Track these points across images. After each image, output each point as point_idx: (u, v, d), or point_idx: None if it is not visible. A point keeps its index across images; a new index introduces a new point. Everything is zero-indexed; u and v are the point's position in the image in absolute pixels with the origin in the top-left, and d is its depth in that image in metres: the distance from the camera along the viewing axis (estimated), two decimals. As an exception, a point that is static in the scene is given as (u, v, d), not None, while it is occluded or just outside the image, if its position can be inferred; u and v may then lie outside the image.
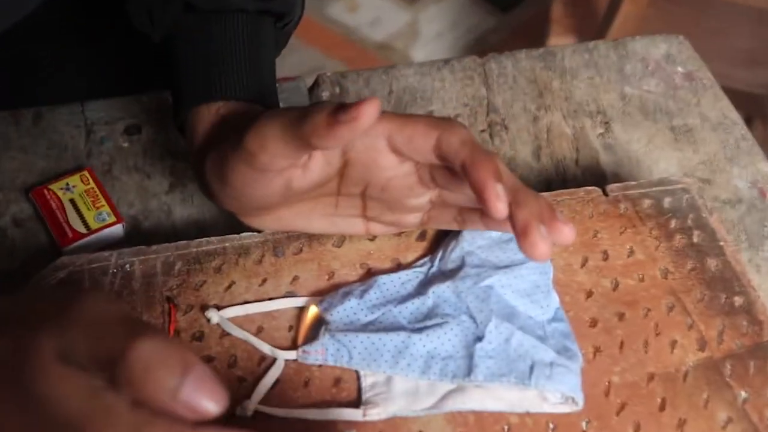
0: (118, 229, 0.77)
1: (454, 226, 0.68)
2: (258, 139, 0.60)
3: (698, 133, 0.90)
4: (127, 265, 0.69)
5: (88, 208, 0.78)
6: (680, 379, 0.65)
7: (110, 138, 0.86)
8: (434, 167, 0.63)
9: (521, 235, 0.56)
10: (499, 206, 0.56)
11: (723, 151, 0.88)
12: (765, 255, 0.80)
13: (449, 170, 0.62)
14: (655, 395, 0.64)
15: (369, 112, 0.54)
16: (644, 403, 0.64)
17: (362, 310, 0.66)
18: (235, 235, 0.71)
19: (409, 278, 0.69)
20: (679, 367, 0.66)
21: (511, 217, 0.57)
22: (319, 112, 0.55)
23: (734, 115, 0.91)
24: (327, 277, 0.70)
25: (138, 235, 0.79)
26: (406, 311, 0.66)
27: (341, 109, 0.55)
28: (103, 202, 0.78)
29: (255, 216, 0.69)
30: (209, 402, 0.43)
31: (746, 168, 0.87)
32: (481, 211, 0.65)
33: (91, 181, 0.79)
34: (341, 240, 0.72)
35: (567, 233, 0.57)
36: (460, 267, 0.68)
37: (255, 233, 0.72)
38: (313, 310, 0.66)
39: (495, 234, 0.69)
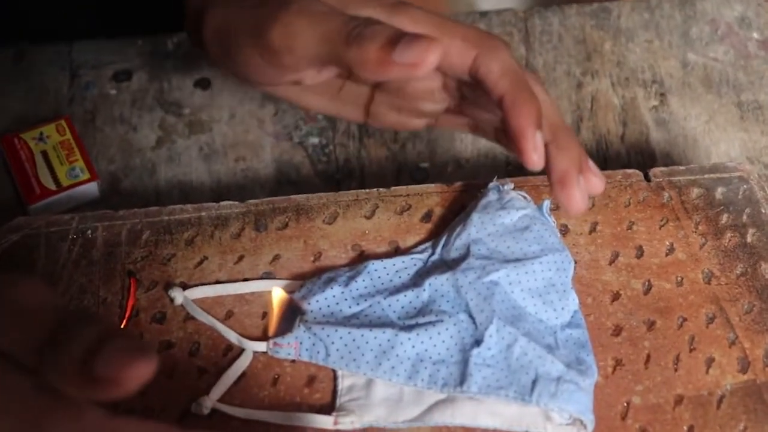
0: (92, 187, 0.72)
1: (463, 130, 0.64)
2: (286, 37, 0.53)
3: (769, 112, 0.81)
4: (89, 231, 0.64)
5: (61, 162, 0.73)
6: (713, 405, 0.58)
7: (96, 83, 0.81)
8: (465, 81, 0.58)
9: (558, 183, 0.55)
10: (535, 159, 0.54)
11: (797, 135, 0.80)
12: (834, 260, 0.72)
13: (481, 87, 0.56)
14: (681, 422, 0.58)
15: (431, 59, 0.48)
16: (668, 430, 0.57)
17: (346, 299, 0.60)
18: (213, 204, 0.66)
19: (405, 266, 0.63)
20: (714, 391, 0.59)
21: (549, 161, 0.54)
22: (371, 40, 0.49)
23: (814, 93, 0.82)
24: (313, 258, 0.64)
25: (115, 195, 0.74)
26: (396, 304, 0.60)
27: (398, 42, 0.48)
28: (78, 156, 0.73)
29: (248, 82, 0.63)
30: (128, 368, 0.37)
31: (822, 155, 0.78)
32: (501, 130, 0.60)
33: (67, 131, 0.74)
34: (333, 216, 0.66)
35: (597, 184, 0.56)
36: (464, 257, 0.61)
37: (236, 203, 0.66)
38: (277, 294, 0.60)
39: (508, 220, 0.63)
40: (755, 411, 0.58)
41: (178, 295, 0.61)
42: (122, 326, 0.60)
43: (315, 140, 0.78)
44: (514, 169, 0.77)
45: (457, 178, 0.75)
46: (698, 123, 0.80)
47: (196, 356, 0.59)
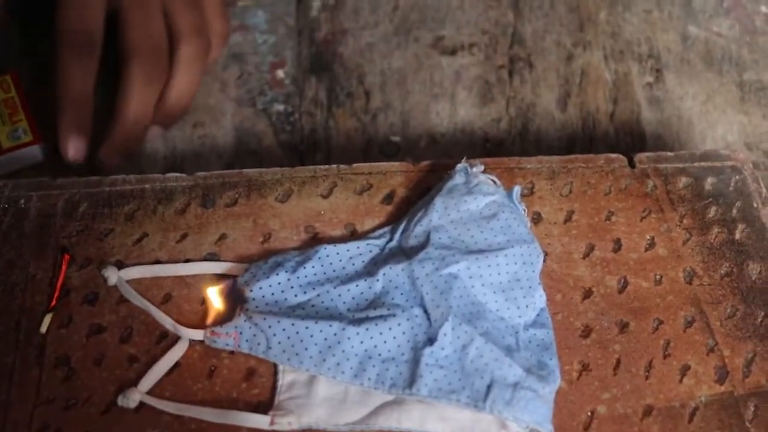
0: (34, 150, 0.68)
1: None
2: None
3: (773, 94, 0.76)
4: (22, 201, 0.61)
5: (3, 122, 0.69)
6: (685, 418, 0.55)
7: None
8: None
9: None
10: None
11: (800, 120, 0.75)
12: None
13: None
14: (648, 436, 0.54)
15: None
16: (633, 444, 0.53)
17: (293, 287, 0.56)
18: (159, 175, 0.62)
19: (359, 252, 0.59)
20: (687, 402, 0.55)
21: None
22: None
23: (822, 75, 0.77)
24: (262, 238, 0.60)
25: (59, 161, 0.70)
26: (347, 295, 0.56)
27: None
28: (22, 117, 0.69)
29: None
30: None
31: (826, 144, 0.74)
32: None
33: (12, 88, 0.70)
34: (287, 193, 0.62)
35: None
36: (423, 245, 0.57)
37: (182, 175, 0.62)
38: (211, 292, 0.57)
39: (474, 207, 0.59)
40: (730, 426, 0.55)
41: (112, 275, 0.57)
42: (51, 307, 0.56)
43: (280, 107, 0.74)
44: (493, 146, 0.72)
45: (430, 154, 0.72)
46: (695, 103, 0.76)
47: (128, 342, 0.56)
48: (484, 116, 0.74)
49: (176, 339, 0.56)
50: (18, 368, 0.54)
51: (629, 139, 0.73)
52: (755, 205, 0.63)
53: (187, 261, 0.59)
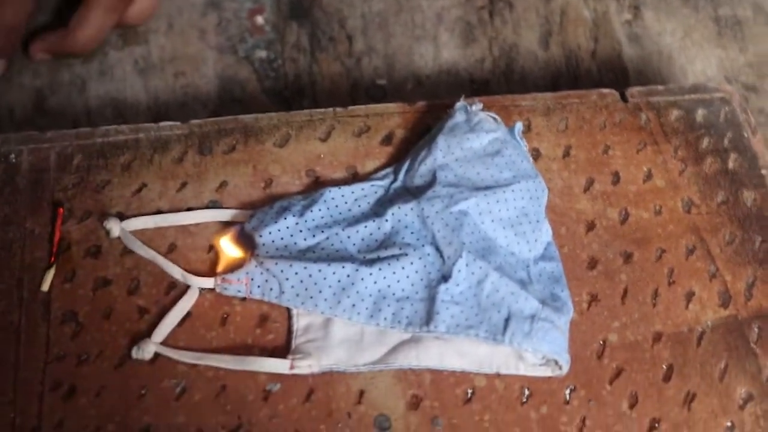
0: None
1: None
2: None
3: (748, 28, 0.78)
4: (12, 155, 0.59)
5: None
6: (693, 342, 0.56)
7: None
8: None
9: None
10: None
11: (776, 52, 0.76)
12: (815, 186, 0.69)
13: None
14: (659, 361, 0.55)
15: None
16: (645, 370, 0.55)
17: (301, 231, 0.56)
18: (152, 125, 0.61)
19: (364, 193, 0.59)
20: (694, 327, 0.56)
21: None
22: None
23: (794, 7, 0.79)
24: (263, 184, 0.60)
25: (41, 115, 0.68)
26: (356, 236, 0.56)
27: None
28: None
29: None
30: None
31: (803, 75, 0.75)
32: None
33: None
34: (285, 138, 0.61)
35: None
36: (430, 184, 0.58)
37: (177, 123, 0.61)
38: (224, 242, 0.56)
39: (477, 144, 0.59)
40: (736, 348, 0.56)
41: (115, 227, 0.56)
42: (50, 262, 0.55)
43: (262, 54, 0.73)
44: (479, 87, 0.73)
45: (416, 96, 0.72)
46: (673, 39, 0.77)
47: (136, 294, 0.55)
48: (468, 57, 0.74)
49: (185, 289, 0.55)
50: (24, 326, 0.53)
51: (612, 76, 0.74)
52: (745, 134, 0.64)
53: (189, 210, 0.58)
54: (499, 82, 0.73)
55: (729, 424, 0.53)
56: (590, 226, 0.60)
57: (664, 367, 0.55)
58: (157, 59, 0.72)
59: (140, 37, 0.73)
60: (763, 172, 0.63)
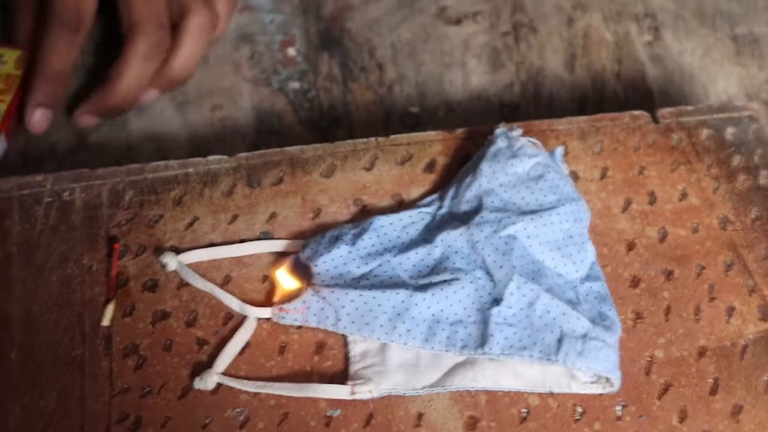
0: None
1: None
2: None
3: (766, 45, 0.80)
4: (66, 193, 0.61)
5: None
6: (737, 356, 0.58)
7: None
8: None
9: None
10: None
11: (795, 69, 0.79)
12: (840, 199, 0.71)
13: None
14: (706, 375, 0.57)
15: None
16: (693, 384, 0.56)
17: (354, 259, 0.58)
18: (201, 159, 0.63)
19: (412, 220, 0.60)
20: (737, 341, 0.58)
21: None
22: None
23: (810, 24, 0.81)
24: (312, 215, 0.61)
25: (83, 150, 0.70)
26: (407, 263, 0.58)
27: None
28: (7, 98, 0.67)
29: None
30: None
31: (822, 90, 0.78)
32: None
33: (20, 67, 0.69)
34: (331, 169, 0.63)
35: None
36: (477, 210, 0.59)
37: (224, 157, 0.63)
38: (279, 273, 0.58)
39: (521, 169, 0.61)
40: (780, 360, 0.58)
41: (171, 260, 0.58)
42: (110, 297, 0.56)
43: (296, 85, 0.75)
44: (509, 111, 0.75)
45: (449, 122, 0.73)
46: (694, 58, 0.79)
47: (194, 326, 0.57)
48: (497, 82, 0.76)
49: (242, 319, 0.57)
50: (88, 361, 0.55)
51: (637, 96, 0.76)
52: (774, 151, 0.66)
53: (241, 241, 0.60)
54: (528, 106, 0.75)
55: (777, 434, 0.55)
56: (631, 246, 0.62)
57: (710, 380, 0.57)
58: (193, 94, 0.73)
59: (176, 73, 0.74)
60: (794, 187, 0.65)
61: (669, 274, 0.60)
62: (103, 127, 0.71)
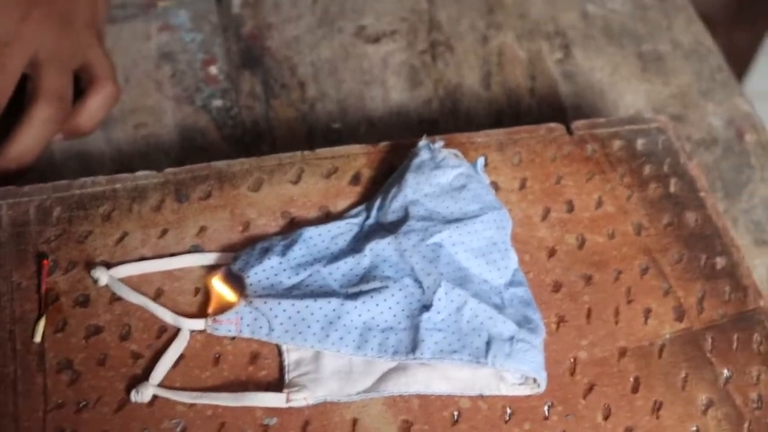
0: None
1: None
2: None
3: (669, 62, 0.84)
4: (-8, 211, 0.60)
5: None
6: (655, 355, 0.61)
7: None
8: None
9: None
10: None
11: (697, 84, 0.83)
12: (742, 206, 0.76)
13: None
14: (627, 374, 0.60)
15: None
16: (615, 383, 0.59)
17: (285, 270, 0.59)
18: (128, 174, 0.63)
19: (341, 231, 0.62)
20: (654, 341, 0.61)
21: None
22: None
23: (709, 42, 0.86)
24: (241, 228, 0.62)
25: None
26: (337, 272, 0.59)
27: None
28: None
29: None
30: None
31: (722, 104, 0.82)
32: None
33: None
34: (258, 183, 0.64)
35: None
36: (403, 219, 0.61)
37: (152, 172, 0.64)
38: (216, 283, 0.59)
39: (444, 180, 0.63)
40: (694, 358, 0.61)
41: (103, 275, 0.58)
42: (40, 313, 0.57)
43: (218, 103, 0.76)
44: (429, 126, 0.77)
45: (370, 137, 0.75)
46: (603, 74, 0.83)
47: (128, 340, 0.57)
48: (416, 99, 0.78)
49: (176, 332, 0.57)
50: (21, 377, 0.55)
51: (550, 111, 0.79)
52: (682, 160, 0.70)
53: (172, 255, 0.60)
54: (447, 121, 0.77)
55: (695, 428, 0.58)
56: (551, 252, 0.64)
57: (632, 379, 0.59)
58: (117, 112, 0.74)
59: (98, 91, 0.74)
60: (701, 194, 0.68)
61: (588, 279, 0.63)
62: (25, 145, 0.70)
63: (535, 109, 0.79)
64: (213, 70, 0.77)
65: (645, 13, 0.87)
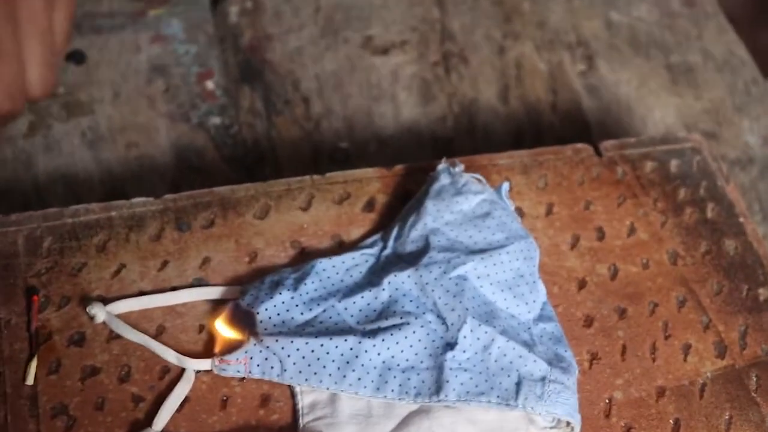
0: None
1: None
2: None
3: (700, 75, 0.86)
4: (-22, 241, 0.61)
5: None
6: (696, 395, 0.61)
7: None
8: None
9: None
10: None
11: (730, 98, 0.84)
12: (783, 230, 0.77)
13: None
14: (666, 416, 0.60)
15: None
16: (654, 426, 0.60)
17: (297, 305, 0.59)
18: (124, 201, 0.64)
19: (356, 263, 0.63)
20: (695, 379, 0.62)
21: None
22: None
23: (742, 53, 0.87)
24: (248, 258, 0.63)
25: (-14, 195, 0.70)
26: (353, 307, 0.60)
27: None
28: None
29: None
30: None
31: (758, 120, 0.83)
32: None
33: None
34: (265, 210, 0.65)
35: None
36: (424, 250, 0.62)
37: (150, 198, 0.64)
38: (218, 324, 0.60)
39: (467, 207, 0.64)
40: (738, 398, 0.62)
41: (99, 312, 0.58)
42: (31, 353, 0.57)
43: (217, 120, 0.76)
44: (443, 145, 0.78)
45: (380, 157, 0.76)
46: (630, 88, 0.84)
47: (128, 382, 0.57)
48: (429, 115, 0.79)
49: (179, 372, 0.57)
50: (11, 424, 0.55)
51: (574, 128, 0.80)
52: (719, 183, 0.71)
53: (173, 289, 0.61)
54: (462, 139, 0.78)
55: (739, 474, 0.59)
56: (582, 284, 0.65)
57: (672, 422, 0.60)
58: (106, 130, 0.74)
59: (85, 108, 0.75)
60: (741, 220, 0.69)
61: (622, 313, 0.64)
62: (6, 166, 0.71)
63: (557, 125, 0.80)
64: (210, 84, 0.78)
65: (673, 21, 0.88)
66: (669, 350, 0.63)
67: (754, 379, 0.63)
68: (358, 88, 0.79)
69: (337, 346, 0.57)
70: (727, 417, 0.61)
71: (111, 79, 0.77)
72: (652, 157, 0.72)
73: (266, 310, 0.59)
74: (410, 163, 0.68)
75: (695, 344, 0.64)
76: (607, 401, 0.60)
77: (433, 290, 0.60)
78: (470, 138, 0.78)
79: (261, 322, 0.59)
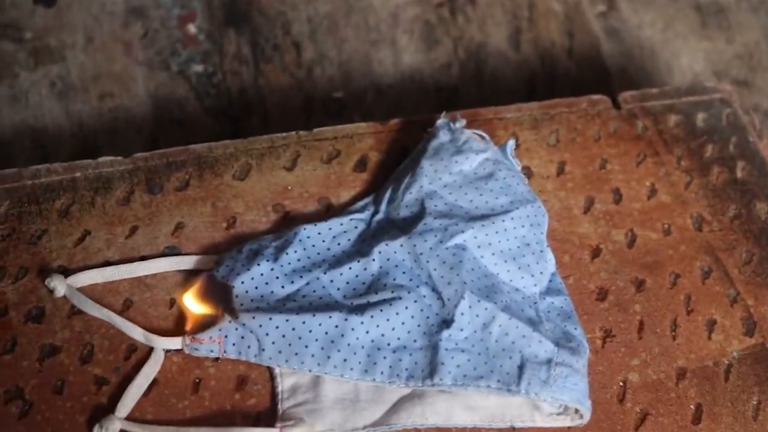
0: None
1: None
2: None
3: (733, 15, 0.81)
4: (-73, 205, 0.58)
5: None
6: (721, 377, 0.58)
7: None
8: None
9: None
10: None
11: (766, 42, 0.80)
12: (820, 189, 0.72)
13: None
14: (687, 401, 0.57)
15: None
16: (673, 412, 0.56)
17: (278, 277, 0.56)
18: (90, 161, 0.61)
19: (344, 229, 0.59)
20: (720, 360, 0.58)
21: None
22: None
23: (780, -9, 0.82)
24: (225, 224, 0.59)
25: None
26: (340, 279, 0.56)
27: None
28: None
29: None
30: None
31: (796, 66, 0.78)
32: None
33: None
34: (245, 169, 0.61)
35: None
36: (419, 215, 0.58)
37: (118, 158, 0.61)
38: (188, 298, 0.56)
39: (467, 167, 0.60)
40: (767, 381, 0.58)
41: (60, 285, 0.55)
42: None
43: (199, 68, 0.73)
44: (448, 95, 0.74)
45: (379, 108, 0.73)
46: (654, 31, 0.79)
47: (91, 362, 0.54)
48: (432, 62, 0.75)
49: (148, 351, 0.54)
50: (-39, 408, 0.52)
51: (592, 75, 0.76)
52: (751, 139, 0.67)
53: (143, 258, 0.57)
54: (469, 89, 0.74)
55: (767, 466, 0.55)
56: (595, 252, 0.61)
57: (693, 407, 0.57)
58: (77, 79, 0.71)
59: (55, 55, 0.72)
60: (774, 180, 0.65)
61: (640, 284, 0.60)
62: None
63: (574, 72, 0.76)
64: (192, 29, 0.75)
65: (704, -44, 0.83)
66: (691, 327, 0.59)
67: (786, 359, 0.59)
68: (354, 32, 0.75)
69: (320, 324, 0.54)
70: (755, 402, 0.57)
71: (83, 22, 0.73)
72: (677, 110, 0.67)
73: (243, 283, 0.55)
74: (411, 116, 0.64)
75: (720, 320, 0.60)
76: (621, 384, 0.57)
77: (427, 261, 0.56)
78: (477, 88, 0.74)
79: (237, 296, 0.55)
